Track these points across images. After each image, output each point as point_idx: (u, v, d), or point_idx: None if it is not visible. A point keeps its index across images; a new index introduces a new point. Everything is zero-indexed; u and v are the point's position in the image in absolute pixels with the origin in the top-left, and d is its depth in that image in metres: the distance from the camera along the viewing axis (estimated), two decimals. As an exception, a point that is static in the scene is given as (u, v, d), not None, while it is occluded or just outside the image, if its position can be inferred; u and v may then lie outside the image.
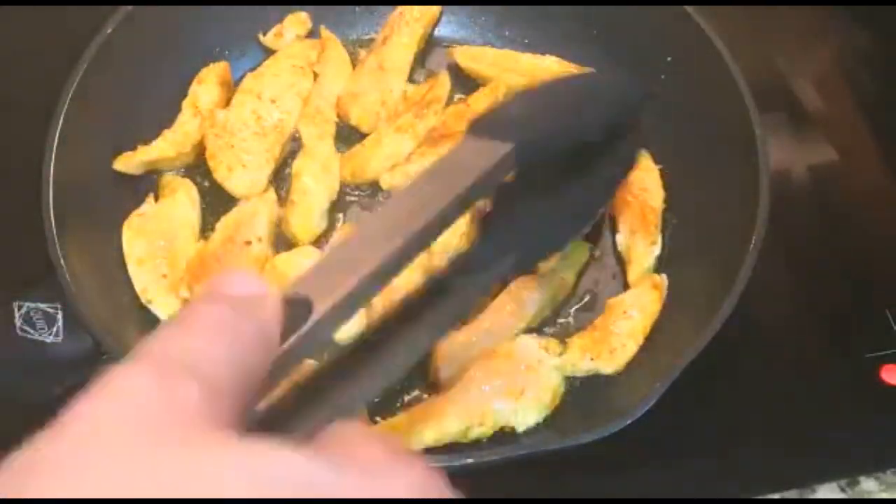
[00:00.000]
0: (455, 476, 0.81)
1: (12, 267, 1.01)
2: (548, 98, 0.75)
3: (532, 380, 0.90)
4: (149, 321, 0.96)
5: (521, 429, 0.89)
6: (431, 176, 0.61)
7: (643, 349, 0.95)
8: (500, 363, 0.90)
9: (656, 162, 1.07)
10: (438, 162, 0.64)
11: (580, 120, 0.72)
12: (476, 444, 0.89)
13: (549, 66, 1.14)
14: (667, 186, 1.06)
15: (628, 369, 0.94)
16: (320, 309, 0.48)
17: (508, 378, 0.89)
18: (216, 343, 0.41)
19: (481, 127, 0.66)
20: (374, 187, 1.08)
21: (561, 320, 1.00)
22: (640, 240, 1.01)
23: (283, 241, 1.04)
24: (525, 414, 0.89)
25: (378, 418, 0.90)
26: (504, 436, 0.90)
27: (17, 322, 0.90)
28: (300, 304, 0.48)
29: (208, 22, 1.13)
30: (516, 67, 1.14)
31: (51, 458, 0.35)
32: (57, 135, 0.95)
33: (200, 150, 1.07)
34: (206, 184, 1.06)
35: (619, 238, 1.03)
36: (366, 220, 0.62)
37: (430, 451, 0.87)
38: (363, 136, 1.11)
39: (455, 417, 0.87)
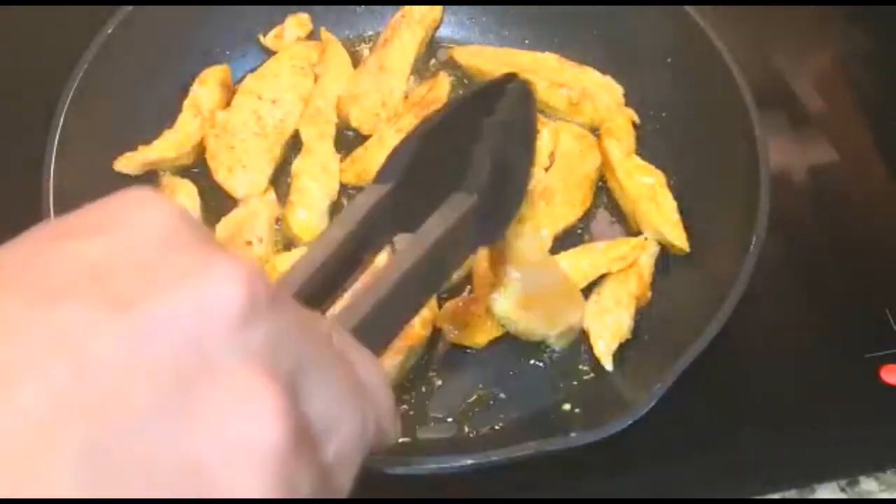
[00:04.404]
0: (455, 476, 0.81)
1: (12, 267, 1.01)
2: None
3: None
4: (149, 321, 0.95)
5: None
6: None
7: (644, 349, 0.95)
8: None
9: (655, 164, 1.07)
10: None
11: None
12: (476, 445, 0.89)
13: (549, 62, 1.14)
14: (667, 187, 1.06)
15: (629, 370, 0.94)
16: None
17: None
18: None
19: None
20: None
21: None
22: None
23: (283, 241, 1.05)
24: None
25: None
26: (505, 436, 0.90)
27: (18, 322, 0.90)
28: None
29: (209, 22, 1.13)
30: (516, 63, 1.14)
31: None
32: (57, 135, 0.95)
33: (201, 150, 1.07)
34: (207, 184, 1.06)
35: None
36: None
37: (429, 452, 0.87)
38: (363, 137, 1.11)
39: None
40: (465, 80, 1.16)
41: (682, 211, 1.03)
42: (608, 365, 0.94)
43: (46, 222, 0.44)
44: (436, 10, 1.18)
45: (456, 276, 1.00)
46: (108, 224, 0.42)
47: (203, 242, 0.41)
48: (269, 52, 1.17)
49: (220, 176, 1.05)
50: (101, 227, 0.42)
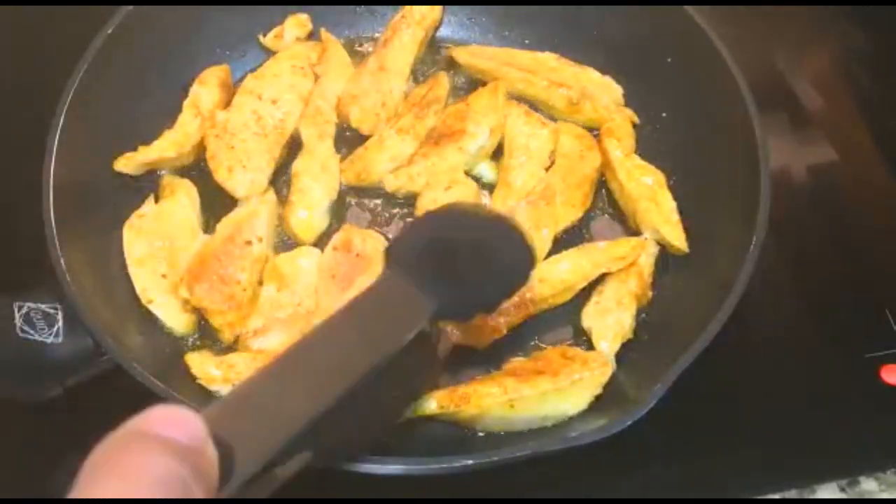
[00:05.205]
0: (455, 476, 0.81)
1: (12, 267, 1.02)
2: (469, 249, 0.79)
3: None
4: (149, 321, 0.96)
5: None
6: (357, 321, 0.69)
7: (644, 349, 0.95)
8: None
9: (655, 164, 1.07)
10: (363, 300, 0.71)
11: (489, 291, 0.80)
12: (476, 445, 0.89)
13: (548, 62, 1.14)
14: (667, 187, 1.06)
15: (629, 370, 0.94)
16: (243, 472, 0.56)
17: None
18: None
19: (401, 265, 0.74)
20: (376, 188, 1.08)
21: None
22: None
23: (283, 241, 1.05)
24: None
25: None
26: (505, 436, 0.90)
27: (18, 322, 0.90)
28: (223, 448, 0.54)
29: (209, 23, 1.13)
30: (515, 62, 1.14)
31: None
32: (57, 135, 0.95)
33: (201, 150, 1.07)
34: (207, 184, 1.06)
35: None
36: (290, 356, 0.66)
37: (429, 452, 0.87)
38: (363, 137, 1.11)
39: None
40: (465, 81, 1.17)
41: (682, 211, 1.03)
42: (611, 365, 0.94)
43: None
44: (436, 11, 1.18)
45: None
46: None
47: None
48: (269, 52, 1.17)
49: (220, 176, 1.05)
50: None
